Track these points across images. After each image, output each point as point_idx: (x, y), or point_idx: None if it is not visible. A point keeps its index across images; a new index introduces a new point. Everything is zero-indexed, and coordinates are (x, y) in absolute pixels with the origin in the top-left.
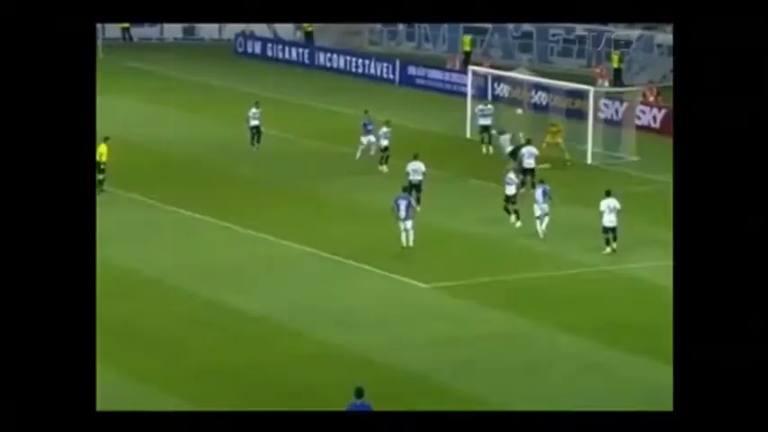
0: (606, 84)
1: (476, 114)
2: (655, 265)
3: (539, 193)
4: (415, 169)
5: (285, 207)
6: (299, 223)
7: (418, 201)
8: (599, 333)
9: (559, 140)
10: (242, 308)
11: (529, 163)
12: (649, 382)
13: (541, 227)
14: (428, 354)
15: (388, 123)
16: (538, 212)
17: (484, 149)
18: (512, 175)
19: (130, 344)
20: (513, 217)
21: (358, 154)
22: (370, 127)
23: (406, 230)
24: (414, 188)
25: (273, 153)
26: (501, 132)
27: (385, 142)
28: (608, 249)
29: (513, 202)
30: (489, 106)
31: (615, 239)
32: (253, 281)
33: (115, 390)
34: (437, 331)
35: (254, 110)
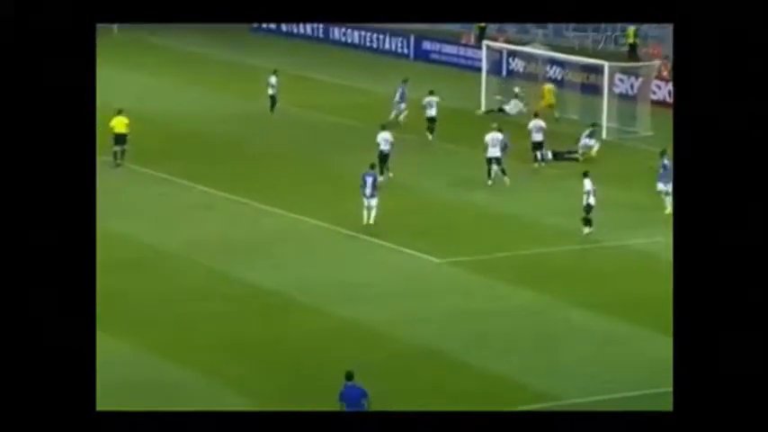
0: (665, 73)
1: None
2: (667, 241)
3: (495, 138)
4: (385, 139)
5: (299, 182)
6: (314, 198)
7: (387, 170)
8: (612, 308)
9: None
10: (257, 282)
11: (537, 137)
12: (662, 356)
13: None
14: (441, 328)
15: (432, 93)
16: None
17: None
18: (498, 135)
19: (147, 317)
20: (492, 180)
21: (392, 115)
22: (402, 91)
23: (370, 208)
24: (384, 158)
25: (288, 127)
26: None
27: (432, 112)
28: (586, 230)
29: (499, 163)
30: (541, 123)
31: (588, 219)
32: (268, 255)
33: (132, 361)
34: (450, 306)
35: (273, 78)
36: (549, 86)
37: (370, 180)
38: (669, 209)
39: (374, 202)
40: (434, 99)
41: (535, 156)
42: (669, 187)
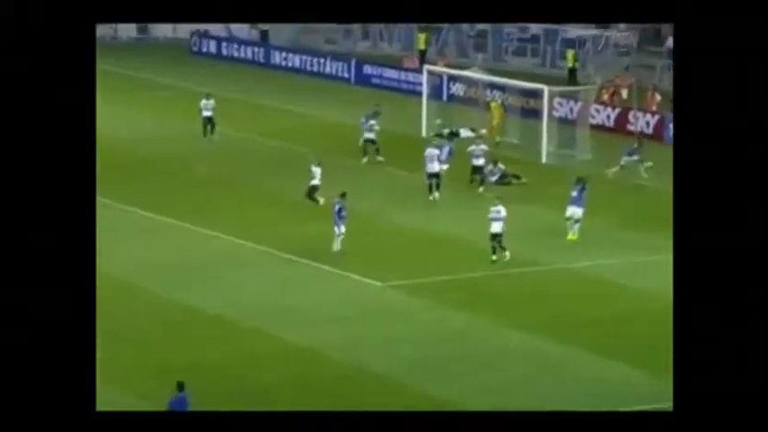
0: (625, 94)
1: (469, 153)
2: (608, 263)
3: (432, 154)
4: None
5: (241, 206)
6: (255, 222)
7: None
8: (553, 331)
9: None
10: (198, 306)
11: (478, 162)
12: (602, 379)
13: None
14: (383, 352)
15: (375, 115)
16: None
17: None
18: (436, 151)
19: None
20: (435, 194)
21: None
22: (372, 122)
23: (336, 236)
24: (314, 190)
25: (229, 152)
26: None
27: (371, 135)
28: (494, 257)
29: (437, 178)
30: (483, 146)
31: (503, 246)
32: (209, 279)
33: None
34: (392, 329)
35: (204, 101)
36: (495, 104)
37: (336, 207)
38: (571, 236)
39: (337, 229)
40: (373, 122)
41: (475, 179)
42: (578, 213)
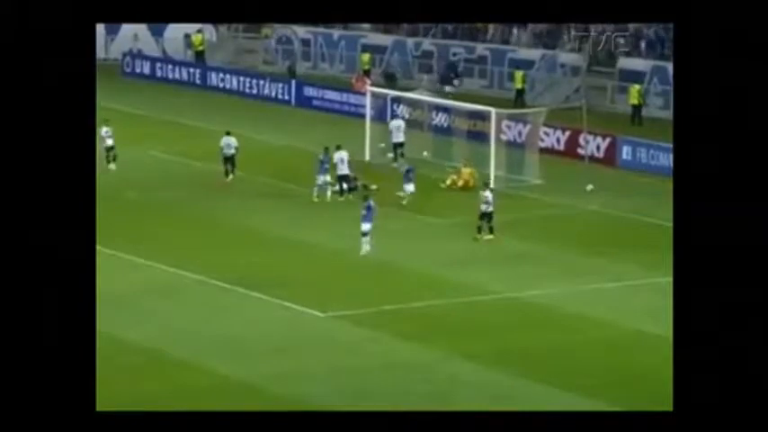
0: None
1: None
2: (559, 292)
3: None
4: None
5: (175, 233)
6: (190, 250)
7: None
8: (502, 362)
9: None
10: (130, 338)
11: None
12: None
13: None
14: (326, 385)
15: (229, 133)
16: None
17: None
18: (344, 154)
19: None
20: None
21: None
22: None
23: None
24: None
25: (163, 176)
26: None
27: (345, 169)
28: (484, 237)
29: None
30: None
31: (491, 228)
32: (141, 310)
33: None
34: (335, 361)
35: (105, 128)
36: (470, 170)
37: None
38: (365, 249)
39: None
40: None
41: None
42: (368, 227)
